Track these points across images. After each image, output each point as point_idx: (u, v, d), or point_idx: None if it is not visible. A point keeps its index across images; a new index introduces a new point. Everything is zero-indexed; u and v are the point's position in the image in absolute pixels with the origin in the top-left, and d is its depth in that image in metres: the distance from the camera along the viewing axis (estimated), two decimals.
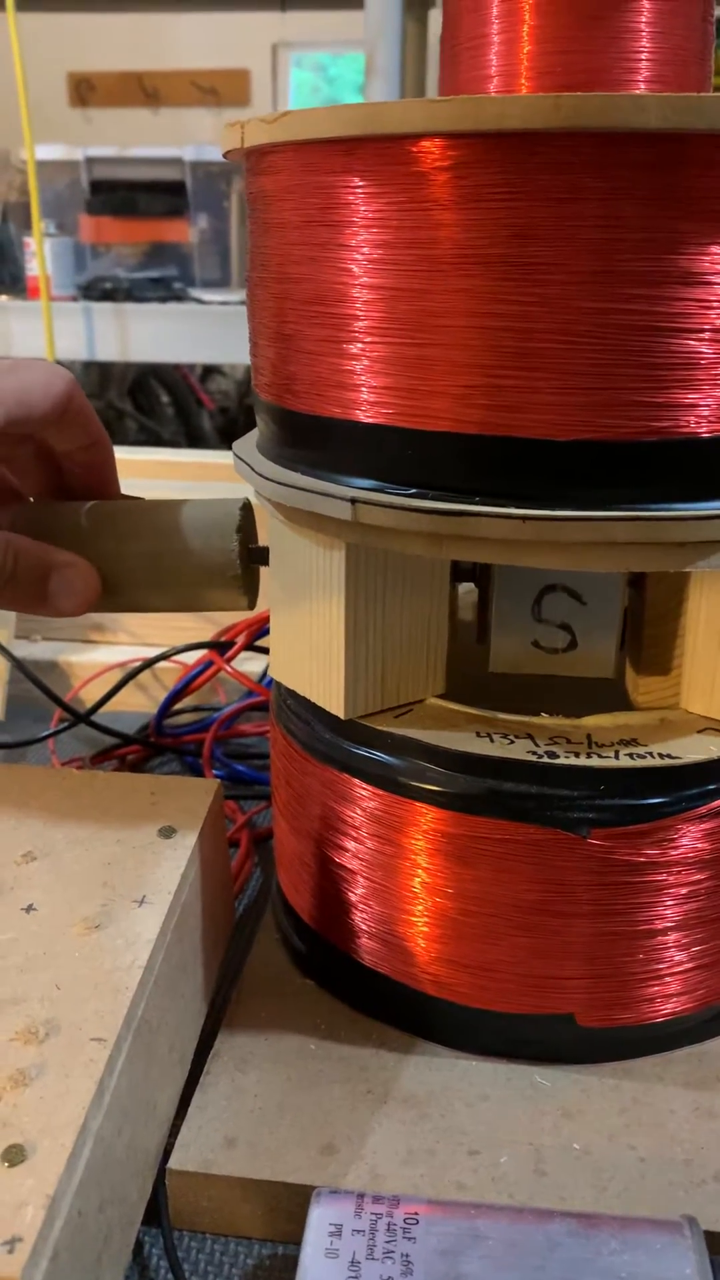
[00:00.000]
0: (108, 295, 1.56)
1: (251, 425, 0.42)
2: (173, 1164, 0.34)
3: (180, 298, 1.65)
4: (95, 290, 1.60)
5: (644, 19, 0.35)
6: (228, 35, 4.36)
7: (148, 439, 2.76)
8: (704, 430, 0.31)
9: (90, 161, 1.84)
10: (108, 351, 1.50)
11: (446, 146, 0.30)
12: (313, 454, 0.36)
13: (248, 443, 0.41)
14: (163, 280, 1.71)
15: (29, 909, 0.35)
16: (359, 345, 0.33)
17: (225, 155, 0.37)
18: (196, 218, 1.82)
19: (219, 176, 1.87)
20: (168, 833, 0.38)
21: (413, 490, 0.33)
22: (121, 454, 0.42)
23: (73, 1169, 0.27)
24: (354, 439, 0.34)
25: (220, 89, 5.30)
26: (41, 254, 1.45)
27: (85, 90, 5.49)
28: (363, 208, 0.32)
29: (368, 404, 0.33)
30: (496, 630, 0.41)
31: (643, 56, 0.35)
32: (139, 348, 1.51)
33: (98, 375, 2.41)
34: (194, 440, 2.77)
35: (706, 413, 0.31)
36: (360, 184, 0.32)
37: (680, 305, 0.30)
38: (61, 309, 1.46)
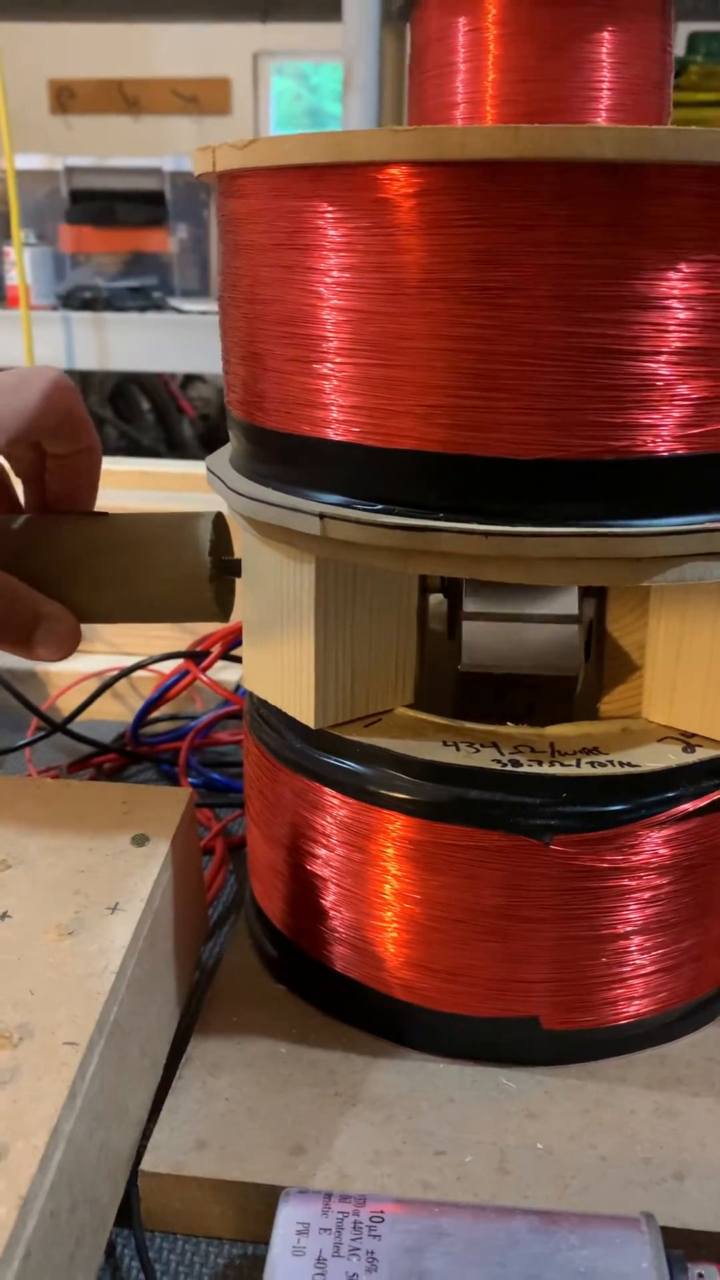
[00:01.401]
0: (87, 304, 1.57)
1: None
2: (145, 1165, 0.35)
3: (160, 307, 1.66)
4: (75, 299, 1.60)
5: (604, 49, 0.36)
6: (209, 44, 4.37)
7: (128, 446, 2.77)
8: (661, 449, 0.32)
9: (70, 171, 1.85)
10: (87, 360, 1.50)
11: (411, 174, 0.31)
12: (283, 470, 0.37)
13: (221, 457, 0.42)
14: (142, 289, 1.72)
15: (3, 916, 0.36)
16: (327, 365, 0.34)
17: (198, 177, 0.38)
18: (176, 227, 1.83)
19: (198, 186, 1.87)
20: (140, 841, 0.39)
21: (380, 506, 0.34)
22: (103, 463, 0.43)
23: (45, 1170, 0.28)
24: (323, 456, 0.35)
25: (201, 97, 5.32)
26: (21, 263, 1.45)
27: (66, 98, 5.50)
28: (330, 232, 0.33)
29: (336, 422, 0.34)
30: (466, 628, 0.42)
31: (604, 86, 0.36)
32: (118, 357, 1.52)
33: (78, 382, 2.41)
34: (174, 447, 2.78)
35: (663, 433, 0.32)
36: (328, 209, 0.32)
37: (637, 329, 0.31)
38: (41, 318, 1.47)
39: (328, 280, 0.33)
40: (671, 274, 0.31)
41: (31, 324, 1.42)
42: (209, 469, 0.41)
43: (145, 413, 2.75)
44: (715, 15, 1.58)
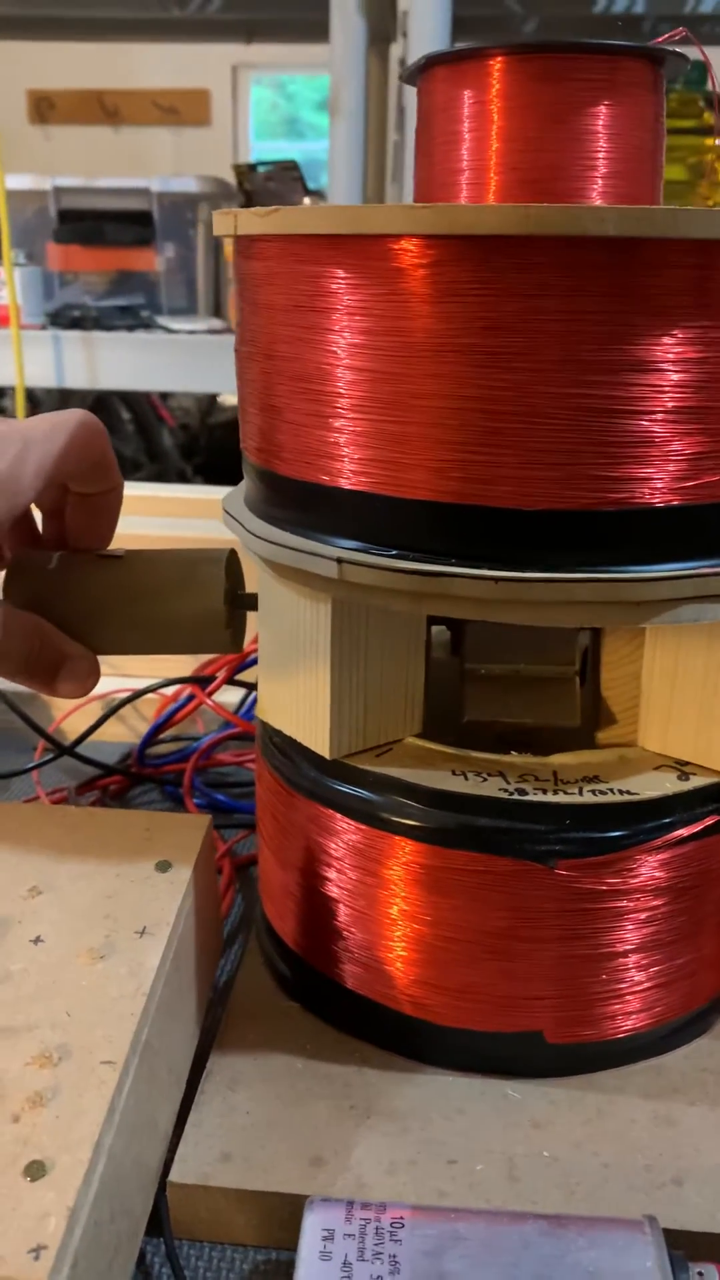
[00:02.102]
0: (76, 323, 1.58)
1: (212, 443, 0.44)
2: (173, 1177, 0.37)
3: (148, 325, 1.68)
4: (63, 318, 1.62)
5: (601, 121, 0.38)
6: (188, 56, 4.38)
7: None
8: (657, 500, 0.34)
9: (58, 191, 1.86)
10: (76, 379, 1.52)
11: (425, 247, 0.33)
12: (300, 515, 0.39)
13: (236, 498, 0.44)
14: (130, 308, 1.73)
15: (37, 940, 0.37)
16: (342, 420, 0.36)
17: (216, 235, 0.40)
18: (163, 247, 1.85)
19: (185, 206, 1.90)
20: (164, 866, 0.41)
21: (394, 552, 0.36)
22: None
23: (89, 1183, 0.30)
24: (339, 504, 0.37)
25: (181, 108, 5.34)
26: (12, 283, 1.47)
27: (45, 108, 5.50)
28: (346, 297, 0.35)
29: (351, 473, 0.36)
30: (469, 685, 0.45)
31: (600, 155, 0.38)
32: (107, 375, 1.53)
33: (59, 393, 2.43)
34: (155, 458, 2.79)
35: (659, 485, 0.34)
36: (344, 275, 0.35)
37: (635, 390, 0.33)
38: (30, 337, 1.48)
39: (343, 341, 0.35)
40: (667, 339, 0.33)
41: (22, 343, 1.44)
42: (226, 510, 0.43)
43: (126, 423, 2.76)
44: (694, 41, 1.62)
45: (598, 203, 0.39)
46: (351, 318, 0.35)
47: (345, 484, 0.37)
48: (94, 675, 0.41)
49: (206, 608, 0.41)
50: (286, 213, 0.35)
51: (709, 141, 1.33)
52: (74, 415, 0.39)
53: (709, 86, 1.41)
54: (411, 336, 0.34)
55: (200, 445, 2.78)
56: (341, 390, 0.36)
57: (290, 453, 0.38)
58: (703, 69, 1.42)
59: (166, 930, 0.38)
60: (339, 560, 0.36)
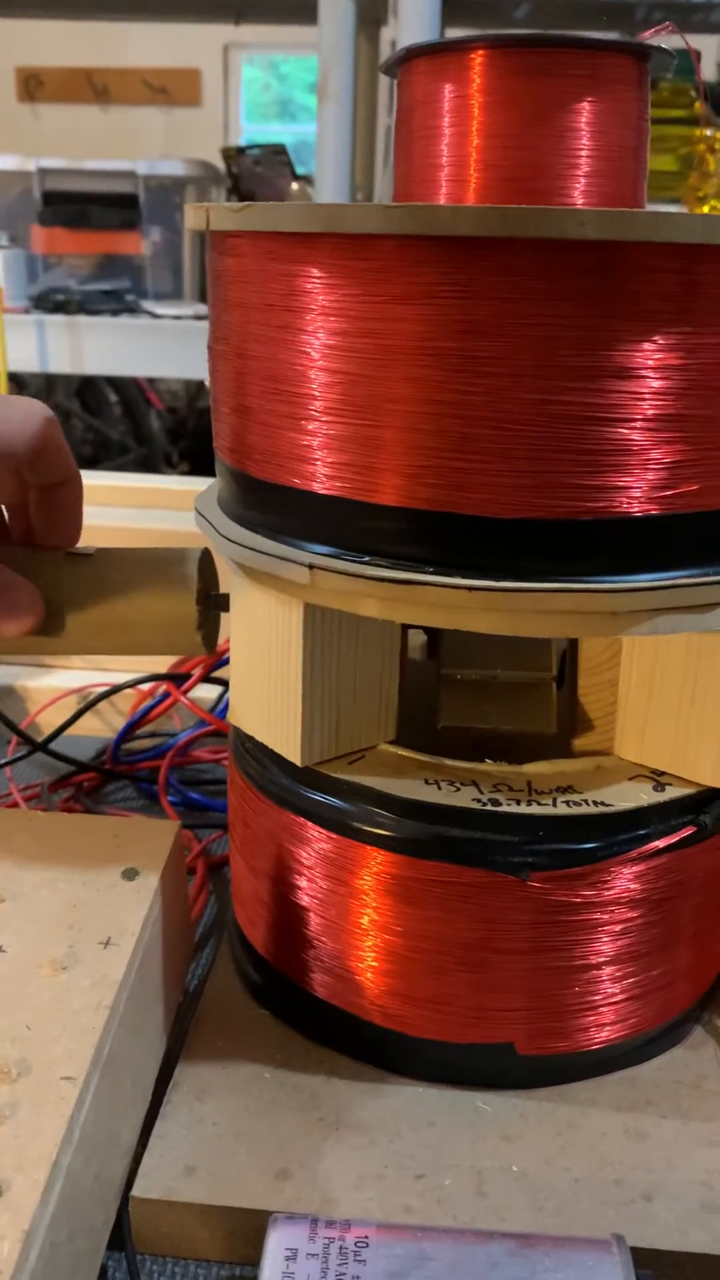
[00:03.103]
0: (60, 307, 1.57)
1: (200, 428, 0.44)
2: (136, 1192, 0.36)
3: (132, 310, 1.66)
4: (47, 302, 1.60)
5: (584, 119, 0.37)
6: (179, 34, 4.34)
7: (96, 439, 2.76)
8: (635, 510, 0.34)
9: (43, 173, 1.84)
10: (60, 364, 1.51)
11: (400, 247, 0.32)
12: (272, 518, 0.38)
13: (209, 498, 0.43)
14: (115, 292, 1.72)
15: None
16: (315, 423, 0.35)
17: (190, 229, 0.39)
18: (149, 230, 1.83)
19: (171, 189, 1.88)
20: (131, 874, 0.40)
21: (366, 558, 0.35)
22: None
23: (46, 1204, 0.29)
24: (312, 508, 0.36)
25: (171, 88, 5.29)
26: None
27: (34, 86, 5.44)
28: (321, 297, 0.34)
29: (324, 477, 0.36)
30: (445, 690, 0.44)
31: (583, 153, 0.38)
32: (92, 360, 1.52)
33: (44, 376, 2.41)
34: (142, 441, 2.77)
35: (637, 494, 0.34)
36: (319, 275, 0.34)
37: (614, 397, 0.32)
38: (14, 321, 1.47)
39: (317, 342, 0.34)
40: (647, 345, 0.32)
41: (5, 327, 1.42)
42: (198, 511, 0.42)
43: (113, 406, 2.75)
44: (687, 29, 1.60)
45: (579, 201, 0.38)
46: (325, 318, 0.34)
47: (318, 488, 0.36)
48: (35, 609, 0.40)
49: (177, 611, 0.40)
50: (260, 209, 0.34)
51: (699, 132, 1.32)
52: (16, 398, 0.38)
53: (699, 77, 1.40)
54: (386, 339, 0.33)
55: (188, 429, 2.76)
56: (315, 392, 0.35)
57: (262, 454, 0.37)
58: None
59: (132, 941, 0.37)
60: (310, 566, 0.35)
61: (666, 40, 0.39)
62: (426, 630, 0.46)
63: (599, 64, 0.37)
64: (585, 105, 0.37)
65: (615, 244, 0.31)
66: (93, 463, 2.63)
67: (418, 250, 0.32)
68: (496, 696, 0.44)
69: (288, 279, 0.35)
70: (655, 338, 0.32)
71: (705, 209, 1.36)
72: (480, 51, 0.37)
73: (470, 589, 0.34)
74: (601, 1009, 0.41)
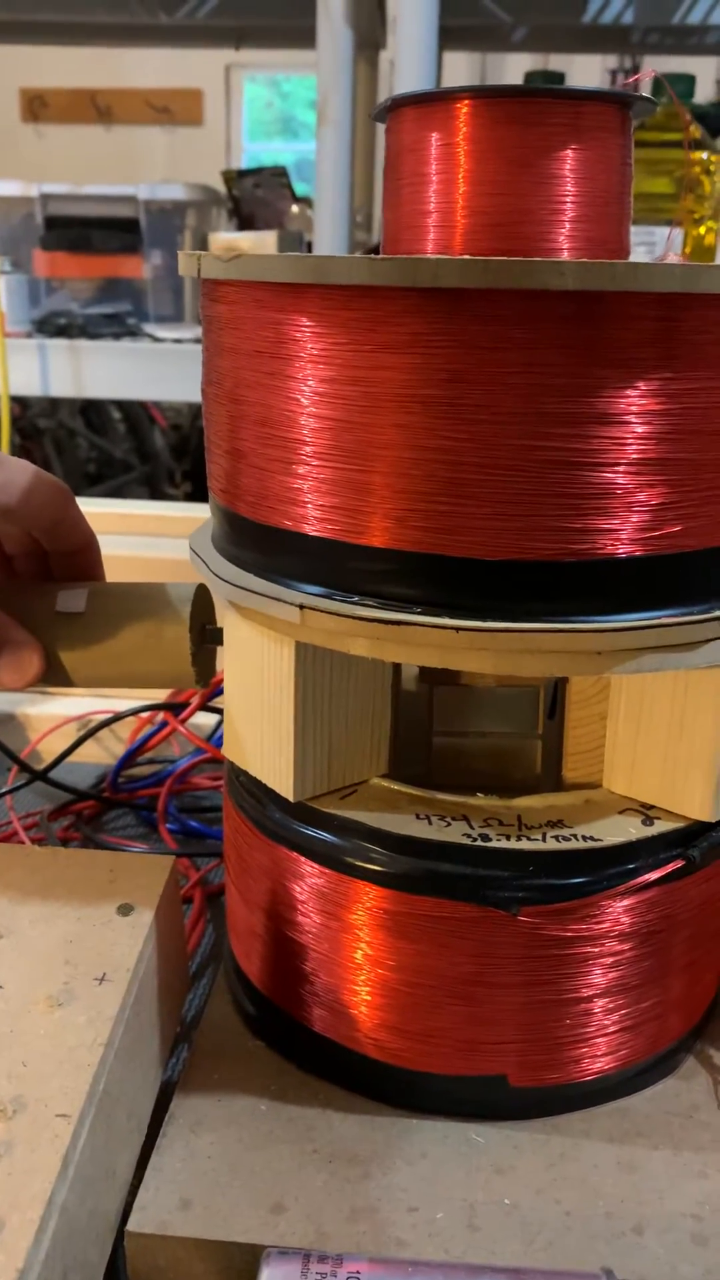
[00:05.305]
0: (62, 331, 1.58)
1: (204, 447, 0.44)
2: (131, 1226, 0.37)
3: (134, 333, 1.67)
4: (49, 326, 1.61)
5: (568, 165, 0.38)
6: (181, 55, 4.38)
7: (99, 457, 2.77)
8: (620, 552, 0.34)
9: (45, 198, 1.86)
10: (62, 387, 1.52)
11: (387, 298, 0.33)
12: (264, 559, 0.39)
13: (203, 535, 0.44)
14: (116, 316, 1.73)
15: None
16: (306, 467, 0.36)
17: (181, 274, 0.40)
18: (150, 254, 1.85)
19: (172, 213, 1.89)
20: (126, 910, 0.40)
21: (356, 598, 0.36)
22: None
23: (40, 1243, 0.30)
24: (302, 549, 0.37)
25: (173, 107, 5.33)
26: None
27: (38, 106, 5.49)
28: (309, 345, 0.34)
29: (315, 519, 0.36)
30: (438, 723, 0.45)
31: (567, 199, 0.38)
32: (93, 384, 1.53)
33: (47, 401, 2.42)
34: (146, 458, 2.79)
35: (622, 536, 0.34)
36: (307, 324, 0.34)
37: (597, 442, 0.33)
38: (16, 345, 1.48)
39: (306, 389, 0.35)
40: (629, 392, 0.33)
41: (7, 351, 1.44)
42: (192, 549, 0.42)
43: (117, 423, 2.76)
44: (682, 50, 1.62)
45: (564, 246, 0.39)
46: (314, 366, 0.35)
47: (309, 530, 0.36)
48: (35, 668, 0.41)
49: (173, 650, 0.41)
50: (248, 260, 0.35)
51: (694, 155, 1.33)
52: (29, 469, 0.40)
53: (695, 100, 1.42)
54: (374, 386, 0.34)
55: (191, 446, 2.78)
56: (305, 437, 0.36)
57: (254, 496, 0.38)
58: (691, 82, 1.42)
59: (127, 977, 0.38)
60: (301, 606, 0.36)
61: (660, 64, 0.40)
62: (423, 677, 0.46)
63: (581, 112, 0.38)
64: (569, 152, 0.38)
65: (596, 293, 0.32)
66: (96, 480, 2.65)
67: (403, 300, 0.33)
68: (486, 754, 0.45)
69: (277, 327, 0.35)
70: (637, 384, 0.33)
71: (701, 230, 1.37)
72: (466, 101, 0.38)
73: (458, 629, 0.34)
74: (593, 1041, 0.41)
